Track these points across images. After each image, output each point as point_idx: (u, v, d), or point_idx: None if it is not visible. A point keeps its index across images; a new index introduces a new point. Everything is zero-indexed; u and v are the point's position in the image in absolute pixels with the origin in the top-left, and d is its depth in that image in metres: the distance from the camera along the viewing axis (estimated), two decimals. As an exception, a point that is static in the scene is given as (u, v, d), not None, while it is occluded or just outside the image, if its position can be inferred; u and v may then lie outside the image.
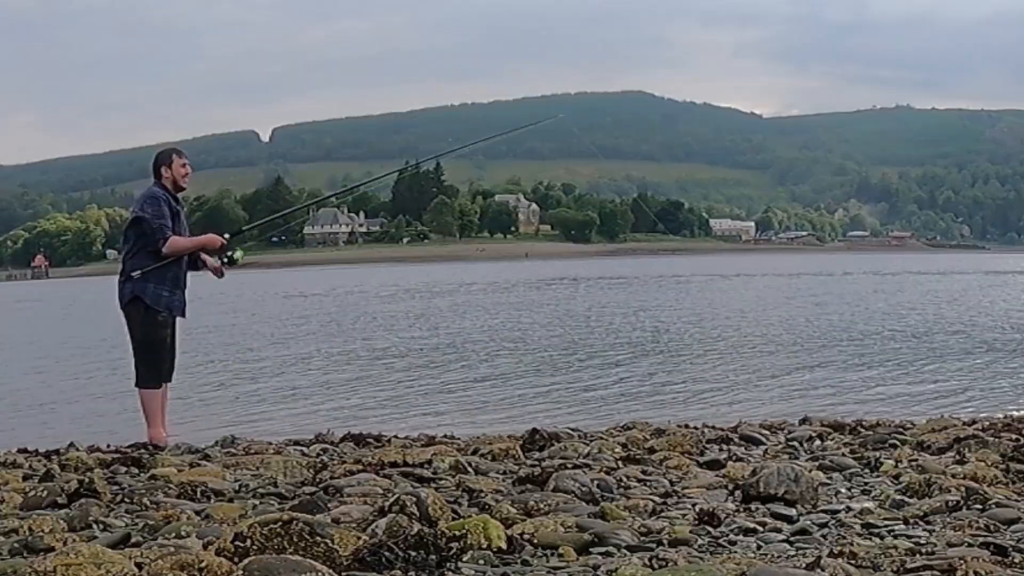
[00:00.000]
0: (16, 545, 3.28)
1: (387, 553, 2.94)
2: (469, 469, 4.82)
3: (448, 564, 2.97)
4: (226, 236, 7.20)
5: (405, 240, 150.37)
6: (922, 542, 3.30)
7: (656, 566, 2.91)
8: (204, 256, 7.06)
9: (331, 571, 2.76)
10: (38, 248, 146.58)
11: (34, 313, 36.25)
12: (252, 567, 2.70)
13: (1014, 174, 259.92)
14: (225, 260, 7.11)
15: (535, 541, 3.27)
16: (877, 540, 3.36)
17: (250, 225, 8.68)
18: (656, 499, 4.12)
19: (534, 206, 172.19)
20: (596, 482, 4.33)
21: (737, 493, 4.19)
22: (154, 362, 6.79)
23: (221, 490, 4.39)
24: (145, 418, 6.79)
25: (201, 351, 15.14)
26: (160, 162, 6.97)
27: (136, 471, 5.10)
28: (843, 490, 4.42)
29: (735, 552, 3.19)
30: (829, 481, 4.61)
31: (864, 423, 6.98)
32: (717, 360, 13.40)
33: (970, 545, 3.22)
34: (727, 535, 3.46)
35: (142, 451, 5.98)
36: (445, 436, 6.79)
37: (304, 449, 6.11)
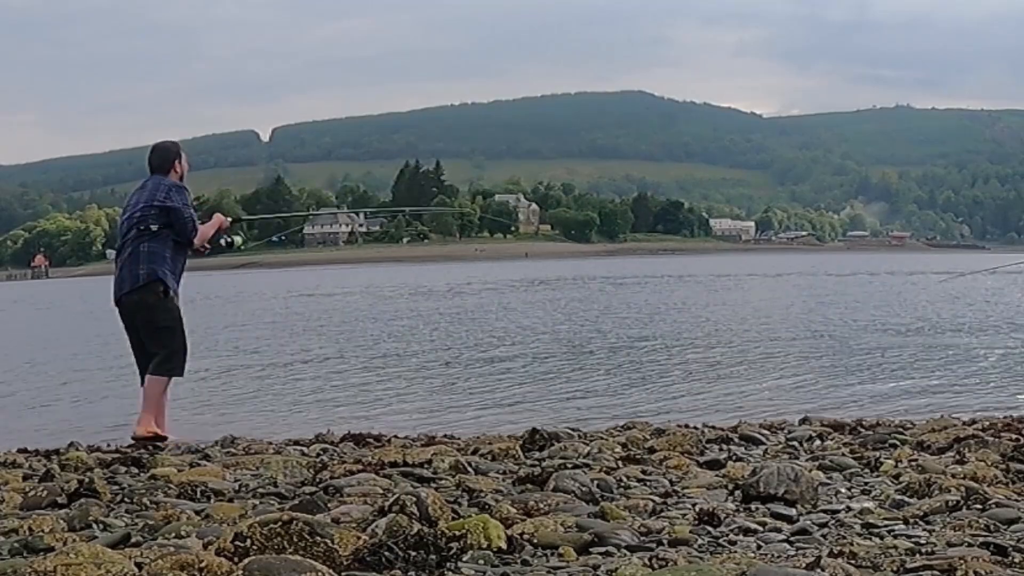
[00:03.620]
0: (16, 545, 3.28)
1: (387, 553, 2.94)
2: (469, 469, 4.82)
3: (448, 564, 2.97)
4: (229, 220, 7.32)
5: (405, 240, 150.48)
6: (922, 542, 3.30)
7: (656, 566, 2.91)
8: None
9: (331, 571, 2.77)
10: (38, 248, 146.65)
11: (36, 312, 36.25)
12: (252, 567, 2.70)
13: (1014, 174, 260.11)
14: (225, 243, 7.16)
15: (535, 541, 3.27)
16: (877, 540, 3.36)
17: (254, 216, 9.02)
18: (656, 499, 4.12)
19: (534, 206, 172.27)
20: (596, 482, 4.33)
21: (737, 493, 4.19)
22: (183, 348, 6.77)
23: (221, 490, 4.39)
24: (144, 404, 6.70)
25: (201, 350, 15.13)
26: (173, 156, 6.90)
27: (136, 471, 5.10)
28: (843, 490, 4.41)
29: (735, 552, 3.18)
30: (829, 481, 4.61)
31: (864, 423, 6.98)
32: (717, 360, 13.39)
33: (970, 545, 3.22)
34: (727, 535, 3.46)
35: (142, 451, 5.98)
36: (445, 436, 6.78)
37: (304, 449, 6.11)
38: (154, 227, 6.65)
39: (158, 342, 6.70)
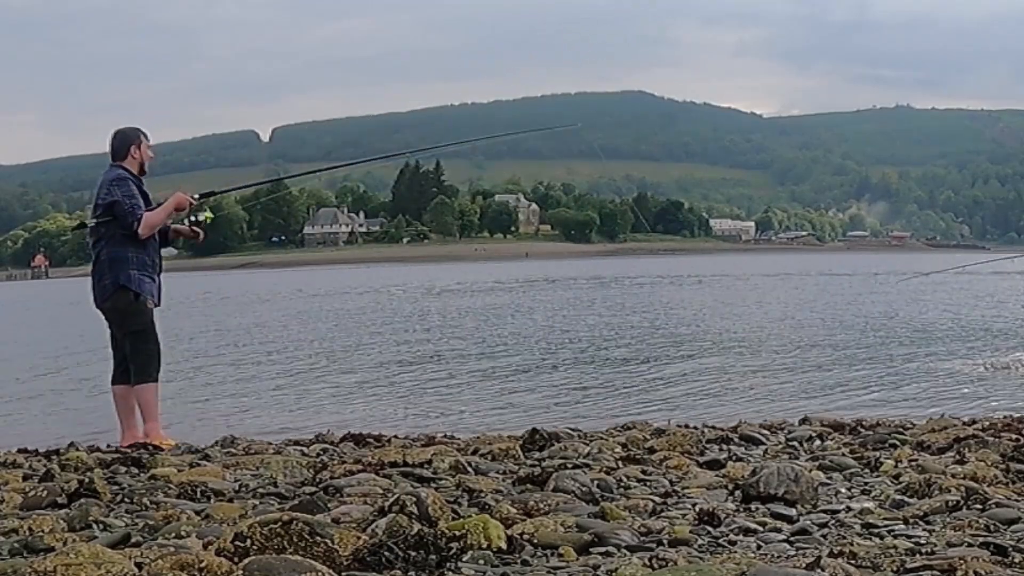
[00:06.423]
0: (16, 545, 3.28)
1: (387, 553, 2.94)
2: (469, 469, 4.81)
3: (448, 564, 2.97)
4: (195, 196, 6.71)
5: (405, 240, 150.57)
6: (922, 542, 3.30)
7: (656, 566, 2.90)
8: (174, 226, 6.73)
9: (331, 571, 2.76)
10: (38, 248, 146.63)
11: (36, 312, 36.24)
12: (252, 567, 2.70)
13: (1014, 174, 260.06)
14: (192, 220, 6.68)
15: (535, 541, 3.27)
16: (877, 540, 3.36)
17: (223, 190, 8.05)
18: (656, 499, 4.12)
19: (534, 206, 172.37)
20: (596, 482, 4.33)
21: (737, 493, 4.18)
22: (157, 351, 6.58)
23: (221, 490, 4.39)
24: (143, 415, 6.65)
25: (202, 351, 15.13)
26: (129, 141, 6.47)
27: (136, 471, 5.09)
28: (843, 490, 4.41)
29: (735, 552, 3.18)
30: (829, 481, 4.61)
31: (864, 423, 6.98)
32: (717, 360, 13.39)
33: (970, 545, 3.21)
34: (727, 535, 3.46)
35: (142, 451, 5.97)
36: (445, 436, 6.78)
37: (304, 449, 6.10)
38: (103, 229, 6.40)
39: (133, 346, 6.58)
